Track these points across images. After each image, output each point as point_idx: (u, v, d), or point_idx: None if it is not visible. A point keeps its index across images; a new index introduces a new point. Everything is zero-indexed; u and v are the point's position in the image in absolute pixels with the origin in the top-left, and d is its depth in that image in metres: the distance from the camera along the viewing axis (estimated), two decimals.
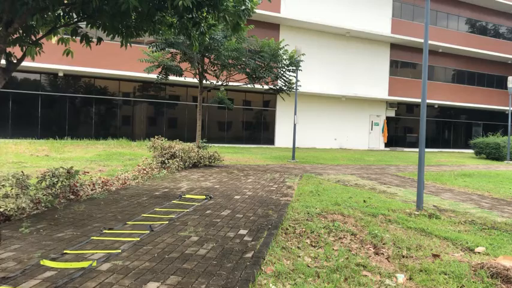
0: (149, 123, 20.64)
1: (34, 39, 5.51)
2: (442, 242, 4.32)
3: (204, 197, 6.18)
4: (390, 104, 27.16)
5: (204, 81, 12.20)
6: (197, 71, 11.92)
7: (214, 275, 3.01)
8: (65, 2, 5.14)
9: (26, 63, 13.84)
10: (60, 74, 18.12)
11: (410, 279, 3.24)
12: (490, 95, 30.43)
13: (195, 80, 12.88)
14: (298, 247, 3.86)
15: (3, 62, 5.11)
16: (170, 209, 5.27)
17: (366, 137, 26.71)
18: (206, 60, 11.73)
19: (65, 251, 3.39)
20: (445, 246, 4.18)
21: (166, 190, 6.76)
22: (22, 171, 5.15)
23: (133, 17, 5.36)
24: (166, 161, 9.52)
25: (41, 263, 3.08)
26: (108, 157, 11.65)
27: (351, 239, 4.20)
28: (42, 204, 4.91)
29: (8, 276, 2.81)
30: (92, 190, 6.17)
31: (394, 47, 26.91)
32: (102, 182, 6.87)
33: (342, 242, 4.09)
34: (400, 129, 28.46)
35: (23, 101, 17.55)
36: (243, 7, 5.44)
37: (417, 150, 6.66)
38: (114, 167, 9.41)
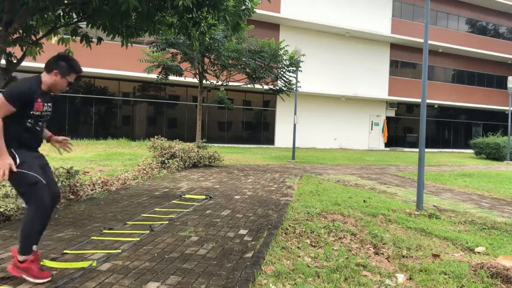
0: (149, 123, 20.65)
1: (34, 39, 5.52)
2: (442, 242, 4.32)
3: (204, 197, 6.18)
4: (390, 104, 27.16)
5: (204, 81, 12.20)
6: (197, 71, 11.92)
7: (214, 275, 3.01)
8: (65, 2, 5.14)
9: (26, 63, 13.81)
10: None
11: (410, 279, 3.24)
12: (490, 95, 30.43)
13: (195, 80, 12.88)
14: (298, 247, 3.86)
15: (3, 62, 5.11)
16: (170, 209, 5.27)
17: (365, 137, 26.72)
18: (206, 60, 11.73)
19: (65, 251, 3.39)
20: (445, 246, 4.18)
21: (166, 190, 6.76)
22: None
23: (133, 17, 5.36)
24: (166, 161, 9.52)
25: (41, 263, 3.08)
26: (108, 157, 11.65)
27: (351, 239, 4.20)
28: None
29: (8, 276, 2.80)
30: (92, 190, 6.17)
31: (394, 47, 26.91)
32: (102, 182, 6.87)
33: (342, 242, 4.09)
34: (400, 129, 28.47)
35: None
36: (243, 7, 5.45)
37: (417, 150, 6.65)
38: (114, 167, 9.41)
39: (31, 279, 2.69)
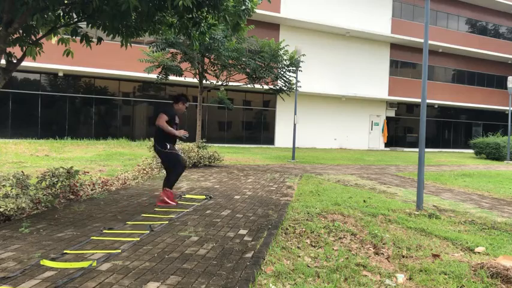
0: (149, 123, 20.64)
1: (34, 39, 5.52)
2: (442, 242, 4.32)
3: (204, 197, 6.18)
4: (390, 104, 27.15)
5: (204, 81, 12.19)
6: (197, 71, 11.91)
7: (214, 275, 3.01)
8: (65, 2, 5.14)
9: (26, 63, 13.84)
10: (60, 74, 18.12)
11: (410, 279, 3.24)
12: (490, 95, 30.42)
13: (195, 80, 12.88)
14: (298, 247, 3.86)
15: (3, 62, 5.11)
16: (170, 209, 5.27)
17: (366, 137, 26.71)
18: (206, 60, 11.72)
19: (65, 251, 3.39)
20: (445, 246, 4.18)
21: None
22: (22, 171, 5.15)
23: (133, 17, 5.36)
24: None
25: (41, 263, 3.08)
26: (108, 157, 11.65)
27: (351, 239, 4.20)
28: (42, 204, 4.91)
29: (8, 276, 2.81)
30: (92, 190, 6.17)
31: (394, 47, 26.90)
32: (102, 182, 6.87)
33: (342, 242, 4.09)
34: (400, 129, 28.46)
35: (23, 101, 17.55)
36: (243, 7, 5.45)
37: (417, 150, 6.65)
38: (114, 167, 9.41)
39: (167, 200, 5.42)
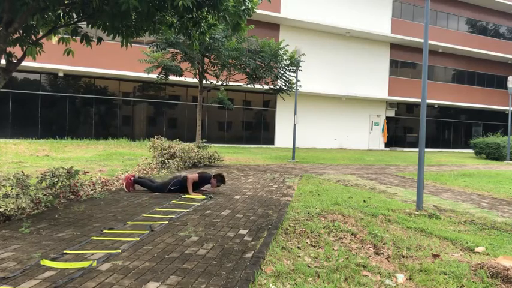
0: (149, 123, 20.64)
1: (34, 39, 5.52)
2: (442, 242, 4.32)
3: (204, 197, 6.18)
4: (390, 104, 27.15)
5: (204, 81, 12.19)
6: (197, 71, 11.91)
7: (214, 275, 3.01)
8: (65, 2, 5.14)
9: (26, 63, 13.83)
10: (60, 74, 18.12)
11: (410, 279, 3.24)
12: (490, 95, 30.41)
13: (195, 80, 12.88)
14: (298, 247, 3.86)
15: (3, 62, 5.11)
16: (170, 209, 5.27)
17: (366, 137, 26.71)
18: (206, 60, 11.72)
19: (65, 251, 3.39)
20: (445, 246, 4.18)
21: None
22: (22, 171, 5.15)
23: (133, 17, 5.36)
24: (166, 161, 9.51)
25: (41, 263, 3.08)
26: (108, 157, 11.65)
27: (351, 239, 4.20)
28: (42, 204, 4.91)
29: (8, 276, 2.81)
30: (92, 190, 6.17)
31: (394, 47, 26.90)
32: (102, 182, 6.87)
33: (342, 242, 4.09)
34: (400, 129, 28.45)
35: (23, 101, 17.55)
36: (243, 7, 5.44)
37: (417, 150, 6.65)
38: (114, 167, 9.41)
39: (125, 189, 6.53)
